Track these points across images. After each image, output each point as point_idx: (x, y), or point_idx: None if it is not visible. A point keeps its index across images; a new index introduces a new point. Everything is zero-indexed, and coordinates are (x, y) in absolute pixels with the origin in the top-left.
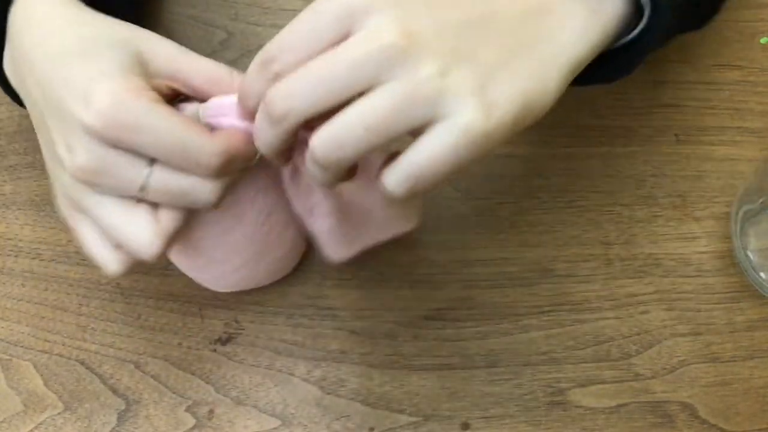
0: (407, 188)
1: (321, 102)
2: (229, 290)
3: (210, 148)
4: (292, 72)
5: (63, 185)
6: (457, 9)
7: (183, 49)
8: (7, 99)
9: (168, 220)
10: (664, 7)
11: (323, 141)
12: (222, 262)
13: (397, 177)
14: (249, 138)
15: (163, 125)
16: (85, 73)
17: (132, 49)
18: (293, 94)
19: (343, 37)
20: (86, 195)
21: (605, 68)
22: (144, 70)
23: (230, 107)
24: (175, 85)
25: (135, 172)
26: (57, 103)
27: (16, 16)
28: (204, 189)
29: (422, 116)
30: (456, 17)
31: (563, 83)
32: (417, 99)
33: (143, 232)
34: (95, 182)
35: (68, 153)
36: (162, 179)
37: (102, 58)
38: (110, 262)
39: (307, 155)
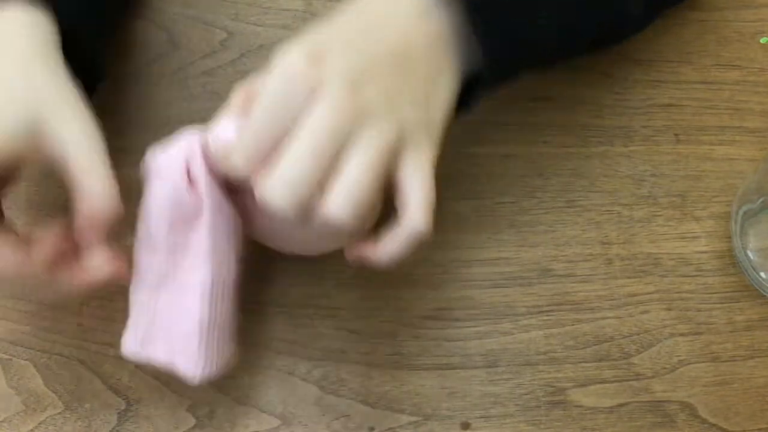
0: (351, 208)
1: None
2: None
3: None
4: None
5: None
6: (371, 46)
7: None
8: None
9: None
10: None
11: (278, 189)
12: (283, 241)
13: (340, 199)
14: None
15: None
16: None
17: (32, 114)
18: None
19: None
20: None
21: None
22: (33, 139)
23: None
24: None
25: None
26: None
27: None
28: None
29: (348, 135)
30: (370, 53)
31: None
32: (337, 130)
33: None
34: None
35: None
36: None
37: None
38: None
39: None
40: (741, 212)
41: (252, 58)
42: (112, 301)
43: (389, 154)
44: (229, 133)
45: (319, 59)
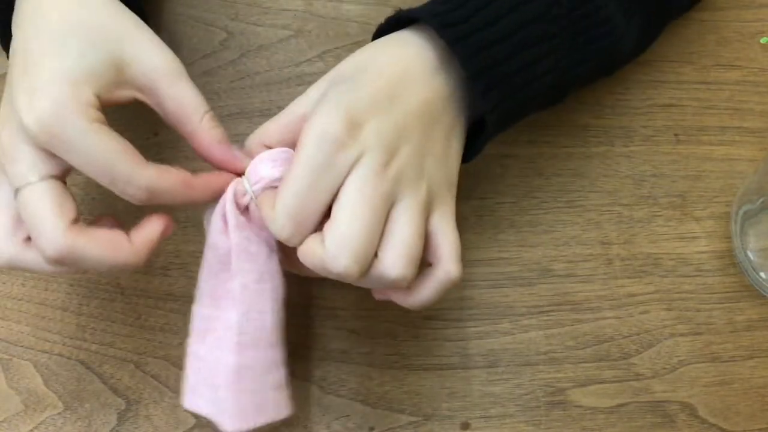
0: (406, 265)
1: (309, 218)
2: None
3: (138, 181)
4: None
5: None
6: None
7: (175, 67)
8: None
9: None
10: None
11: (342, 253)
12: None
13: (394, 258)
14: (187, 181)
15: (95, 149)
16: (46, 70)
17: (112, 50)
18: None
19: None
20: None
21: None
22: (118, 74)
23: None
24: (146, 100)
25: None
26: (13, 83)
27: None
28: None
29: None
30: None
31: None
32: (384, 194)
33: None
34: (2, 162)
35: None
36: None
37: (72, 57)
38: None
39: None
40: (741, 212)
41: (252, 58)
42: (112, 301)
43: (425, 210)
44: (264, 167)
45: (356, 125)
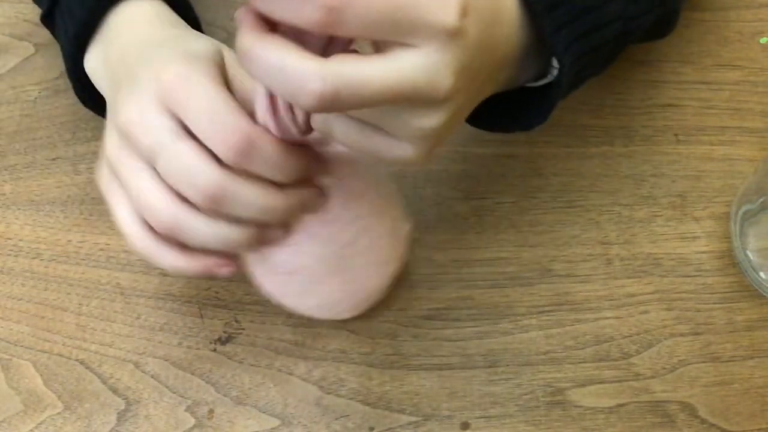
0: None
1: None
2: (331, 317)
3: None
4: None
5: (109, 153)
6: None
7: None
8: (7, 98)
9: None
10: (569, 66)
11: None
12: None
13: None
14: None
15: (216, 100)
16: (168, 54)
17: (219, 55)
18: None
19: None
20: (126, 162)
21: (522, 117)
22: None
23: None
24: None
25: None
26: (137, 75)
27: (114, 20)
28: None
29: None
30: None
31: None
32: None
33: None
34: (134, 139)
35: (123, 107)
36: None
37: (191, 49)
38: (136, 235)
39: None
40: (741, 212)
41: None
42: (112, 301)
43: None
44: None
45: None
